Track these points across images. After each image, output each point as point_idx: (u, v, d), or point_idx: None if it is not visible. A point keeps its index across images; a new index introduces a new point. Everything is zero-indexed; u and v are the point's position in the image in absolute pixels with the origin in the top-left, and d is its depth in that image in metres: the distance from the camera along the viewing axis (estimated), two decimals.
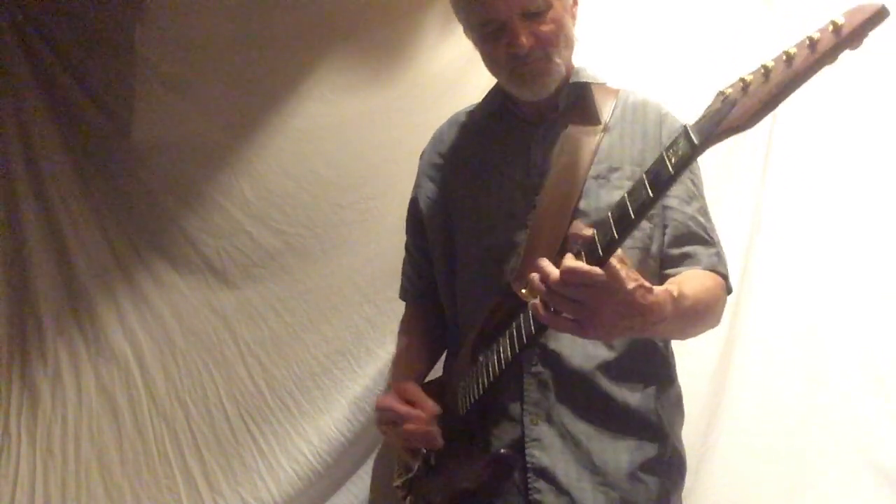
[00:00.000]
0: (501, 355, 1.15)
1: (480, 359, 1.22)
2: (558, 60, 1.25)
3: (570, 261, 0.92)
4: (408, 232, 1.54)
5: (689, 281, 1.17)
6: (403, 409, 1.28)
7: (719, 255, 1.28)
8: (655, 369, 1.31)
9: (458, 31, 2.17)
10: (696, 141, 0.82)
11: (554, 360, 1.24)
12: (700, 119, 0.84)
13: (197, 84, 2.06)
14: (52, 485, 1.94)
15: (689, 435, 1.58)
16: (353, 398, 2.04)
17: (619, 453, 1.21)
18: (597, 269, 0.91)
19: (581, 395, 1.23)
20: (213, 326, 2.07)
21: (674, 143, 0.86)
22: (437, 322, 1.48)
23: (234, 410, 2.05)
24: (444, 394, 1.32)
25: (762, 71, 0.77)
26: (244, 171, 2.09)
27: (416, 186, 1.52)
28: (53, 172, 2.02)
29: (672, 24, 1.94)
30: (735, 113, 0.78)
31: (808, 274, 1.71)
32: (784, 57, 0.76)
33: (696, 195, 1.30)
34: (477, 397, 1.21)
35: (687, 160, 0.84)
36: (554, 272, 0.92)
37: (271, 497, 2.00)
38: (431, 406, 1.28)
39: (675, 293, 1.05)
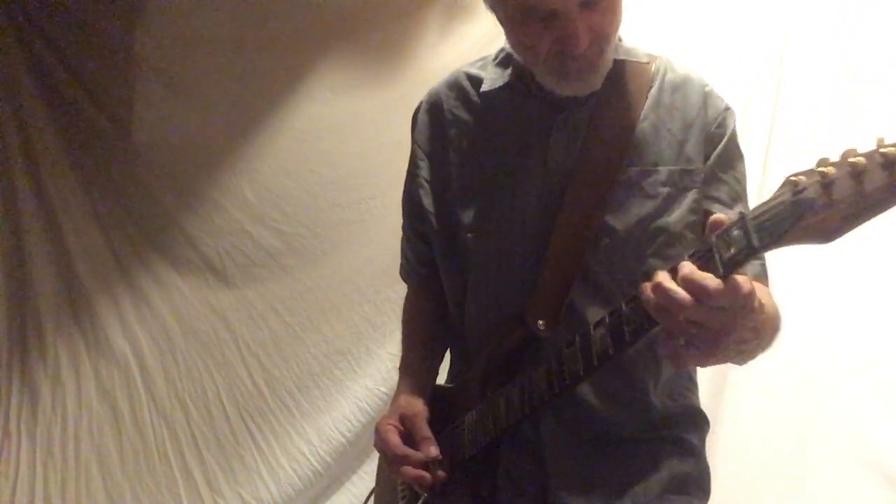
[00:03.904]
0: (511, 410, 1.02)
1: (489, 394, 1.07)
2: (610, 55, 1.01)
3: (703, 277, 0.73)
4: (404, 214, 1.25)
5: (764, 297, 0.93)
6: (400, 451, 1.12)
7: (763, 266, 1.06)
8: (684, 397, 1.18)
9: (459, 30, 2.18)
10: (755, 243, 0.69)
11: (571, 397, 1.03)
12: (763, 213, 0.69)
13: (197, 84, 2.06)
14: (52, 485, 1.95)
15: None
16: (353, 398, 2.04)
17: (651, 484, 1.08)
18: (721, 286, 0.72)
19: (601, 428, 1.10)
20: (213, 326, 2.07)
21: (726, 232, 0.71)
22: (441, 309, 1.28)
23: (234, 410, 2.05)
24: (449, 417, 1.19)
25: (849, 169, 0.60)
26: (244, 171, 2.10)
27: (412, 163, 1.22)
28: (53, 172, 2.02)
29: (675, 15, 1.93)
30: (809, 222, 0.64)
31: (808, 275, 1.70)
32: (881, 159, 0.59)
33: (739, 196, 1.09)
34: (485, 444, 1.06)
35: (740, 262, 0.70)
36: (683, 296, 0.72)
37: (271, 497, 2.00)
38: (431, 448, 1.10)
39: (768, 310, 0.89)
